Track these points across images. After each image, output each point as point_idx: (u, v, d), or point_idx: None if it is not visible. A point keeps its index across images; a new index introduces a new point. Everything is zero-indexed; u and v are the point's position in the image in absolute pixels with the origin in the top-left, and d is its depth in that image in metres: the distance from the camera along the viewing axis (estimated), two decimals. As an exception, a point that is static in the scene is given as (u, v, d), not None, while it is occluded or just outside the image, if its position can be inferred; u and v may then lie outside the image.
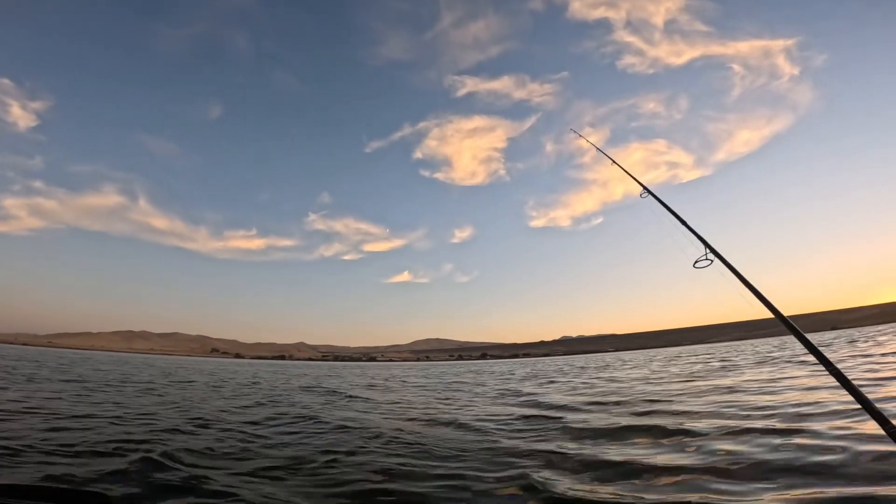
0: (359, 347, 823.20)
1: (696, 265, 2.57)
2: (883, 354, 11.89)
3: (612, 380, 12.91)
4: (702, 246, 2.59)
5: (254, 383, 15.27)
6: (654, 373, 14.14)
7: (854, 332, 42.44)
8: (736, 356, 20.86)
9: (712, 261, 2.52)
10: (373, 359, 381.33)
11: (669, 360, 23.84)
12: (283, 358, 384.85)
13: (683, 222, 2.96)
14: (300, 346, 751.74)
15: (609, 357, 51.74)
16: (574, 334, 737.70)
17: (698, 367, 15.77)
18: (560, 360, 50.77)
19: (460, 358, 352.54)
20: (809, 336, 2.15)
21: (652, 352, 72.34)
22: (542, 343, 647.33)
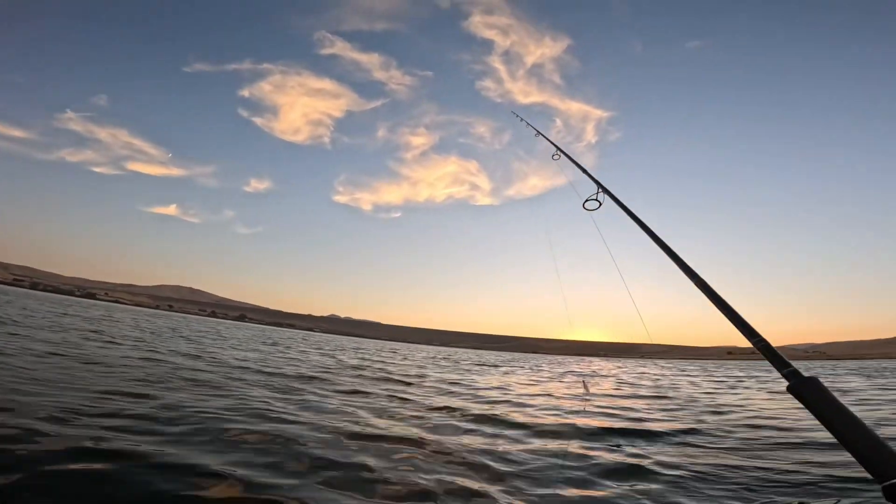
0: (74, 278, 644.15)
1: (586, 205, 2.55)
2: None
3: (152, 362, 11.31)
4: (594, 187, 2.54)
5: None
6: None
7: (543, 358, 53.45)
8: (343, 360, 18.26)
9: (602, 202, 2.49)
10: (91, 295, 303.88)
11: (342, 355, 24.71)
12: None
13: (578, 165, 2.99)
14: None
15: (340, 342, 54.67)
16: (343, 315, 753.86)
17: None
18: (276, 334, 47.24)
19: (213, 315, 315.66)
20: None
21: (396, 345, 79.49)
22: (311, 317, 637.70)
